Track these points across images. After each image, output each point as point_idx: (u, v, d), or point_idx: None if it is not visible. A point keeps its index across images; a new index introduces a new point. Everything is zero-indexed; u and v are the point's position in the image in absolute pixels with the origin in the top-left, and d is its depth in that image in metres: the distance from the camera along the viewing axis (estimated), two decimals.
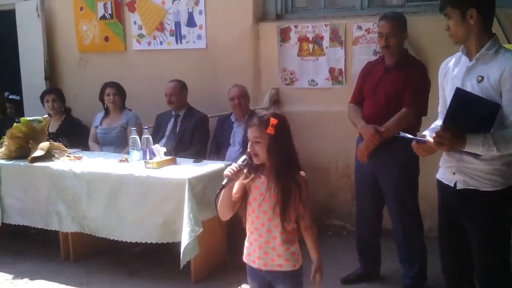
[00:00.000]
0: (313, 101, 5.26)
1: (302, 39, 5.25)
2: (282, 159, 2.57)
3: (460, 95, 2.51)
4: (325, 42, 5.14)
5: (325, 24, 5.13)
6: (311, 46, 5.22)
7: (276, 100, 5.42)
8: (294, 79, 5.35)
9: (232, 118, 5.12)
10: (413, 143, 2.78)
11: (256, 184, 2.64)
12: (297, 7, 5.52)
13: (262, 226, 2.60)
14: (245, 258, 2.72)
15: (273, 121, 2.51)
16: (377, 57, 4.76)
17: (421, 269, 3.87)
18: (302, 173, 2.64)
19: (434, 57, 4.52)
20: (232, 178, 2.56)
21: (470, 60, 2.68)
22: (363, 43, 4.97)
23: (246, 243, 2.71)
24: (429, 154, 2.73)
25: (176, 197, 4.05)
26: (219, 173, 4.32)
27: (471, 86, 2.62)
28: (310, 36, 5.21)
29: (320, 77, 5.22)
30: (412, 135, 3.76)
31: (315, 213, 5.10)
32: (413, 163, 3.80)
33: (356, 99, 4.02)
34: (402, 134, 2.89)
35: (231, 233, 4.61)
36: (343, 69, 5.10)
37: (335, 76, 5.14)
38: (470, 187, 2.66)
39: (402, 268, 3.93)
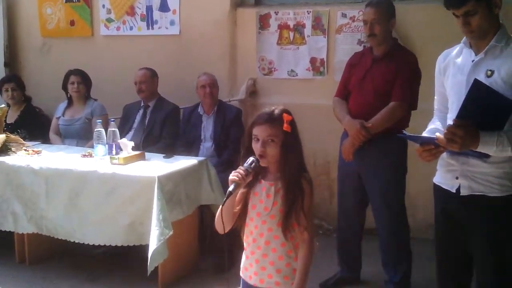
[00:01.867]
0: (292, 92, 4.96)
1: (283, 27, 4.93)
2: (294, 160, 2.29)
3: (477, 88, 2.19)
4: (307, 30, 4.83)
5: (307, 11, 4.81)
6: (291, 34, 4.90)
7: (252, 91, 5.10)
8: (273, 69, 5.03)
9: (200, 110, 4.76)
10: (418, 146, 2.44)
11: (255, 190, 2.34)
12: None
13: (260, 237, 2.32)
14: (241, 273, 2.44)
15: (288, 117, 2.26)
16: (363, 47, 4.50)
17: (406, 274, 3.61)
18: (307, 176, 2.33)
19: (423, 47, 4.29)
20: (239, 183, 2.24)
21: (477, 54, 2.40)
22: (347, 32, 4.67)
23: (243, 256, 2.44)
24: (435, 158, 2.42)
25: (145, 196, 3.70)
26: (191, 170, 4.01)
27: None
28: (291, 23, 4.89)
29: (300, 67, 4.92)
30: (400, 131, 3.50)
31: None
32: (402, 163, 3.54)
33: (341, 93, 3.71)
34: (405, 133, 2.59)
35: (204, 232, 4.33)
36: (325, 59, 4.80)
37: (317, 66, 4.84)
38: (476, 193, 2.37)
39: (385, 273, 3.67)
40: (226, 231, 2.31)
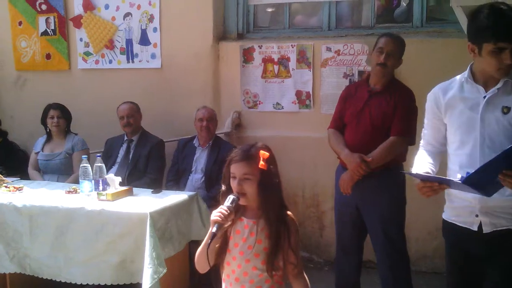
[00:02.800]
0: (278, 125, 4.96)
1: (267, 60, 4.94)
2: (274, 197, 2.26)
3: None
4: (292, 64, 4.86)
5: (291, 45, 4.84)
6: (276, 67, 4.91)
7: (238, 124, 5.06)
8: (258, 102, 5.02)
9: (195, 142, 4.71)
10: (418, 181, 2.37)
11: (237, 227, 2.30)
12: (260, 27, 5.22)
13: (244, 276, 2.27)
14: None
15: (264, 154, 2.22)
16: (349, 80, 4.55)
17: None
18: (290, 213, 2.31)
19: (408, 80, 4.32)
20: (222, 224, 2.19)
21: (486, 90, 2.38)
22: (332, 65, 4.71)
23: None
24: (436, 194, 2.36)
25: (136, 234, 3.59)
26: (182, 205, 3.93)
27: (495, 119, 2.33)
28: (276, 57, 4.91)
29: (286, 100, 4.92)
30: (399, 166, 3.53)
31: None
32: (402, 195, 3.54)
33: (337, 124, 3.70)
34: (414, 172, 2.47)
35: (193, 268, 4.20)
36: (310, 92, 4.82)
37: (302, 99, 4.85)
38: (500, 228, 2.35)
39: None
40: (206, 271, 2.29)
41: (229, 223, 2.23)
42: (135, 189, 4.10)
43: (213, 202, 4.31)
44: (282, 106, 4.93)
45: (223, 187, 2.34)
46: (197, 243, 4.12)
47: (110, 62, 5.50)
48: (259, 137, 4.89)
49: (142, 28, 5.32)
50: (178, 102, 5.17)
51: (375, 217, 3.50)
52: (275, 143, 4.85)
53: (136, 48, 5.36)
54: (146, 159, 4.74)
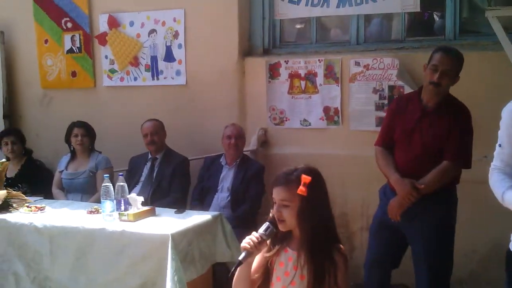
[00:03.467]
0: (305, 142, 4.79)
1: (293, 76, 4.80)
2: (317, 228, 2.08)
3: None
4: (319, 79, 4.70)
5: (318, 60, 4.70)
6: (303, 83, 4.77)
7: (264, 141, 4.93)
8: (284, 119, 4.88)
9: (222, 160, 4.59)
10: None
11: (281, 259, 2.15)
12: (286, 41, 5.10)
13: None
14: None
15: (306, 178, 2.04)
16: (378, 95, 4.38)
17: None
18: (341, 246, 2.13)
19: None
20: (251, 252, 2.05)
21: None
22: (361, 80, 4.54)
23: None
24: None
25: (157, 255, 3.46)
26: (205, 226, 3.79)
27: None
28: (302, 72, 4.76)
29: (313, 116, 4.76)
30: (452, 188, 3.31)
31: None
32: (453, 224, 3.33)
33: (385, 142, 3.47)
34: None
35: None
36: (339, 108, 4.65)
37: (330, 115, 4.69)
38: None
39: None
40: None
41: (269, 253, 2.09)
42: (158, 209, 3.99)
43: (239, 222, 4.21)
44: (310, 123, 4.78)
45: (271, 213, 2.19)
46: (221, 264, 4.00)
47: (135, 79, 5.43)
48: (286, 155, 4.78)
49: (167, 44, 5.25)
50: (203, 119, 5.07)
51: (423, 250, 3.28)
52: (302, 161, 4.69)
53: (161, 65, 5.29)
54: (170, 178, 4.64)
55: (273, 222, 2.11)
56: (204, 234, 3.77)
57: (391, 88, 4.43)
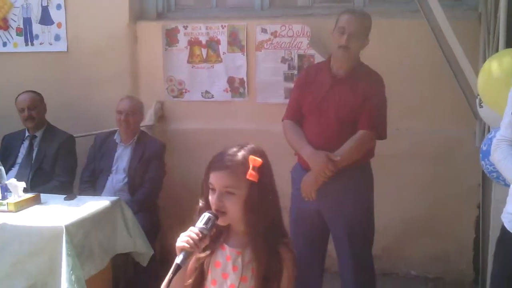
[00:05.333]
0: (208, 117, 4.39)
1: (193, 43, 4.35)
2: (265, 221, 1.74)
3: None
4: (222, 47, 4.30)
5: (221, 26, 4.28)
6: (204, 51, 4.34)
7: (161, 116, 4.44)
8: (184, 91, 4.42)
9: (117, 138, 4.03)
10: None
11: (216, 257, 1.79)
12: (182, 5, 4.60)
13: None
14: None
15: (256, 161, 1.70)
16: (287, 65, 4.11)
17: None
18: (287, 242, 1.80)
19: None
20: (191, 252, 1.65)
21: None
22: (269, 49, 4.21)
23: None
24: None
25: (48, 252, 2.94)
26: (103, 214, 3.29)
27: None
28: (203, 39, 4.33)
29: (216, 88, 4.36)
30: (366, 162, 3.10)
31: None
32: (371, 198, 3.10)
33: (294, 115, 3.16)
34: None
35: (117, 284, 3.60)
36: (245, 79, 4.29)
37: (235, 87, 4.32)
38: None
39: None
40: None
41: (205, 252, 1.72)
42: (43, 196, 3.40)
43: (138, 207, 3.73)
44: (212, 95, 4.37)
45: (200, 202, 1.80)
46: (124, 256, 3.53)
47: (5, 45, 4.69)
48: (185, 130, 4.37)
49: (43, 5, 4.56)
50: (90, 91, 4.47)
51: (341, 226, 3.03)
52: (205, 137, 4.36)
53: (36, 28, 4.59)
54: (54, 159, 4.03)
55: (213, 213, 1.72)
56: (103, 223, 3.26)
57: (300, 57, 4.14)
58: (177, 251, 1.65)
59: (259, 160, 1.70)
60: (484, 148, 2.27)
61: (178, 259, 1.62)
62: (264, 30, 4.21)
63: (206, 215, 1.71)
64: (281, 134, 4.12)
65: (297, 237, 3.14)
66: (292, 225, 3.18)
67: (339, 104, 2.98)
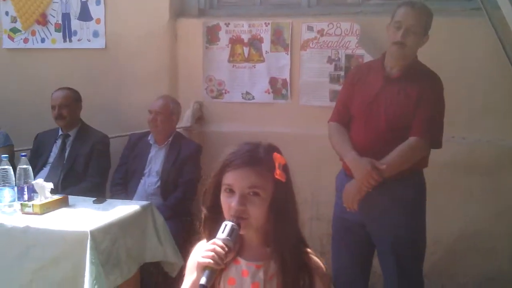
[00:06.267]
0: (248, 119, 4.15)
1: (235, 41, 4.13)
2: (293, 227, 1.54)
3: None
4: (265, 46, 4.06)
5: (265, 23, 4.05)
6: (246, 49, 4.11)
7: (199, 118, 4.24)
8: (224, 91, 4.21)
9: (150, 139, 3.86)
10: None
11: (230, 274, 1.55)
12: (226, 1, 4.39)
13: None
14: None
15: (281, 159, 1.50)
16: (334, 65, 3.84)
17: None
18: (310, 251, 1.57)
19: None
20: (216, 269, 1.42)
21: None
22: (314, 48, 3.94)
23: None
24: None
25: (73, 258, 2.75)
26: (133, 220, 3.10)
27: None
28: (246, 37, 4.10)
29: (257, 89, 4.12)
30: (417, 171, 2.81)
31: None
32: (422, 212, 2.80)
33: (341, 117, 2.91)
34: None
35: None
36: (288, 80, 4.03)
37: (278, 88, 4.07)
38: None
39: None
40: None
41: (225, 266, 1.49)
42: (71, 198, 3.24)
43: (170, 213, 3.52)
44: (253, 96, 4.14)
45: (204, 210, 1.57)
46: (153, 265, 3.33)
47: (43, 41, 4.59)
48: (225, 133, 4.15)
49: (82, 0, 4.42)
50: (127, 90, 4.32)
51: (386, 239, 2.75)
52: (245, 140, 4.13)
53: (75, 24, 4.47)
54: (86, 159, 3.88)
55: (236, 222, 1.49)
56: (132, 229, 3.07)
57: (348, 57, 3.86)
58: (199, 268, 1.43)
59: (283, 158, 1.51)
60: None
61: (203, 280, 1.39)
62: (310, 28, 3.95)
63: (228, 225, 1.47)
64: (325, 139, 3.86)
65: (340, 250, 2.92)
66: (334, 237, 2.93)
67: (391, 107, 2.70)
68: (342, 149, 2.80)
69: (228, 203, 1.49)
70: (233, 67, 4.16)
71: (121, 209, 3.10)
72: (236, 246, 1.50)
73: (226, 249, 1.44)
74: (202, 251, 1.45)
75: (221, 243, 1.44)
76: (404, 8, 2.70)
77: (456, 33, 3.67)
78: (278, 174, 1.47)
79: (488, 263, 3.73)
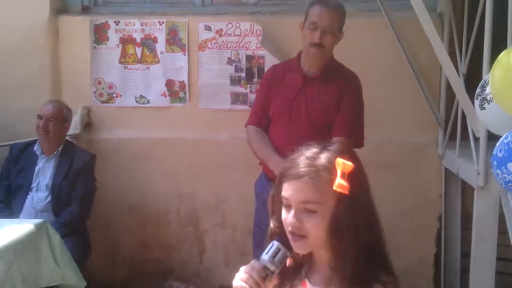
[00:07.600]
0: (143, 124, 3.89)
1: (126, 41, 3.84)
2: (358, 249, 1.26)
3: None
4: (160, 46, 3.82)
5: (159, 22, 3.81)
6: (139, 50, 3.84)
7: (87, 124, 3.88)
8: (115, 95, 3.89)
9: (37, 149, 3.43)
10: None
11: None
12: None
13: None
14: None
15: (346, 166, 1.25)
16: (234, 66, 3.71)
17: None
18: (391, 279, 1.32)
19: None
20: None
21: None
22: (213, 48, 3.78)
23: None
24: None
25: None
26: (26, 241, 2.71)
27: None
28: (138, 36, 3.83)
29: (153, 92, 3.86)
30: None
31: (151, 274, 3.82)
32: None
33: (259, 120, 2.80)
34: None
35: None
36: (186, 82, 3.83)
37: (175, 91, 3.85)
38: None
39: None
40: None
41: None
42: None
43: (66, 230, 3.16)
44: (148, 100, 3.87)
45: (272, 223, 1.37)
46: None
47: None
48: (117, 140, 3.90)
49: None
50: (4, 94, 3.83)
51: None
52: (140, 147, 3.82)
53: None
54: None
55: (283, 242, 1.31)
56: (27, 251, 2.69)
57: (249, 58, 3.76)
58: None
59: (349, 164, 1.25)
60: (500, 155, 1.99)
61: None
62: (208, 28, 3.78)
63: (274, 245, 1.30)
64: (228, 144, 3.77)
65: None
66: (259, 246, 2.78)
67: (312, 106, 2.65)
68: (265, 153, 2.69)
69: (285, 217, 1.30)
70: (124, 68, 3.86)
71: (13, 229, 2.72)
72: (291, 269, 1.32)
73: (264, 274, 1.26)
74: (239, 272, 1.28)
75: (259, 267, 1.26)
76: (318, 7, 2.66)
77: (356, 34, 3.71)
78: (340, 186, 1.23)
79: (393, 259, 3.80)
